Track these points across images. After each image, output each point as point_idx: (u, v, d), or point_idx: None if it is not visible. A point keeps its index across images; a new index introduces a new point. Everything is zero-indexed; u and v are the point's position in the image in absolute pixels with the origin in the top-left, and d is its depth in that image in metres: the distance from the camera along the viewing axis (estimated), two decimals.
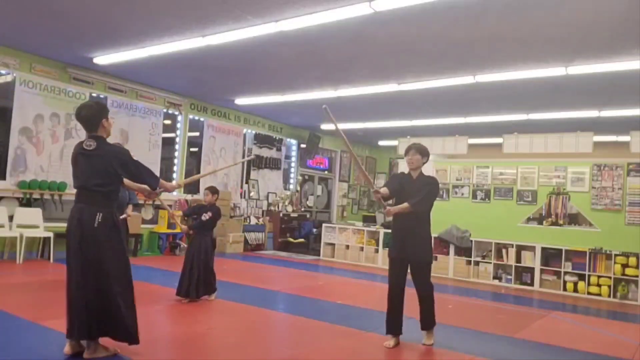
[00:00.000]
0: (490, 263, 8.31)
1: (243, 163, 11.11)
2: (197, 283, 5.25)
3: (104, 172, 3.24)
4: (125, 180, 3.52)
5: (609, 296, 7.30)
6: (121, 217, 5.73)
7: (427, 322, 4.18)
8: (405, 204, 4.03)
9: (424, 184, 4.16)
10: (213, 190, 5.56)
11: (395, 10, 4.83)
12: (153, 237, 9.14)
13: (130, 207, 6.09)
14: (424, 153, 4.23)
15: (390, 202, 4.23)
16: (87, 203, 3.22)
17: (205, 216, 5.37)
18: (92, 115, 3.34)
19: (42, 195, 7.55)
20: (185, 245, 9.23)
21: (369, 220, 11.18)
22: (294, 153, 12.76)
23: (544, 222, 8.32)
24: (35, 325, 3.95)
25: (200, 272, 5.27)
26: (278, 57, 6.81)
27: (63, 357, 3.25)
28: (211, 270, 5.40)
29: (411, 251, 4.11)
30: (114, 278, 3.20)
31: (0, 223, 7.03)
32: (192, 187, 10.15)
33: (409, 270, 4.20)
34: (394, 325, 4.10)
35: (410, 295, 4.19)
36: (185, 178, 9.84)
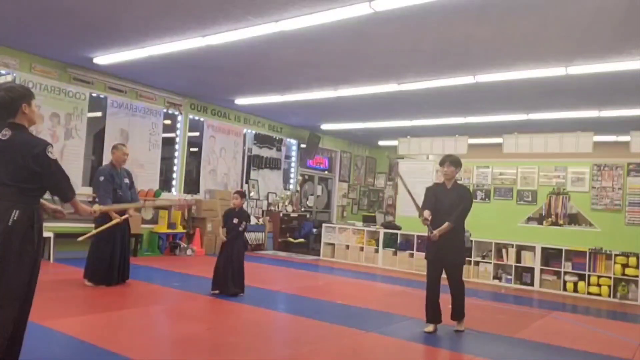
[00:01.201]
0: (490, 263, 8.30)
1: (243, 164, 11.15)
2: (235, 281, 5.69)
3: (18, 165, 2.70)
4: (42, 200, 2.90)
5: (609, 296, 7.30)
6: (122, 217, 5.76)
7: (457, 314, 4.74)
8: (447, 224, 4.52)
9: (459, 195, 4.65)
10: (242, 194, 6.07)
11: (395, 10, 4.82)
12: (153, 237, 9.14)
13: None
14: (457, 164, 4.74)
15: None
16: (3, 199, 2.69)
17: (242, 226, 5.84)
18: (11, 98, 2.77)
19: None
20: (185, 246, 9.29)
21: (369, 220, 11.17)
22: (294, 153, 12.76)
23: (544, 222, 8.32)
24: (34, 325, 3.95)
25: (235, 271, 5.72)
26: (278, 57, 6.81)
27: (62, 357, 3.25)
28: (242, 269, 5.84)
29: (446, 255, 4.63)
30: (4, 285, 2.64)
31: None
32: (193, 187, 10.16)
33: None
34: (432, 315, 4.64)
35: (413, 296, 4.19)
36: (185, 183, 9.86)
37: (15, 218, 2.65)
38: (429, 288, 4.69)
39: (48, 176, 2.77)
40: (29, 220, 2.72)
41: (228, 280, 5.64)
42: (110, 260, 5.73)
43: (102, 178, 5.85)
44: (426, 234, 4.74)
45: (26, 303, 2.76)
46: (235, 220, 5.80)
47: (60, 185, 2.84)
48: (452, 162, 4.70)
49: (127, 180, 6.09)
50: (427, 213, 4.54)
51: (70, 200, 2.90)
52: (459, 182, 4.97)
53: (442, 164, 4.76)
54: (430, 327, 4.62)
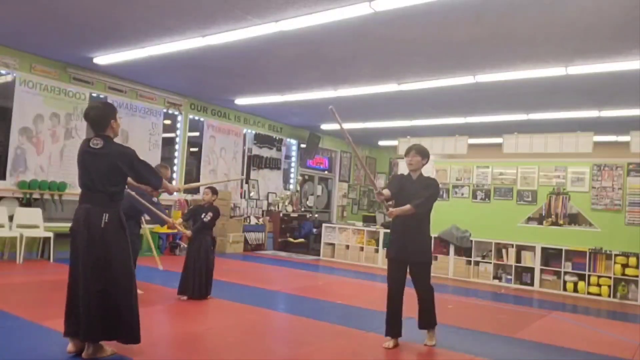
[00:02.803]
0: (490, 263, 8.31)
1: (243, 164, 11.14)
2: (203, 283, 5.38)
3: (111, 171, 3.23)
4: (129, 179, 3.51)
5: (609, 296, 7.30)
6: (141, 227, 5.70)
7: (426, 322, 4.20)
8: (408, 206, 4.00)
9: (424, 185, 4.15)
10: (214, 190, 5.64)
11: (395, 10, 4.83)
12: (153, 237, 9.13)
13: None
14: (424, 154, 4.22)
15: (391, 203, 4.22)
16: (93, 204, 3.22)
17: (207, 217, 5.47)
18: (101, 116, 3.34)
19: (42, 195, 7.55)
20: (185, 246, 9.28)
21: (369, 220, 11.18)
22: (294, 153, 12.76)
23: (544, 222, 8.32)
24: (35, 325, 3.96)
25: (204, 272, 5.39)
26: (278, 57, 6.81)
27: (63, 357, 3.25)
28: (212, 271, 5.49)
29: (410, 252, 4.09)
30: (118, 279, 3.23)
31: (0, 223, 7.02)
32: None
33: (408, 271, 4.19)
34: (393, 328, 4.08)
35: (410, 295, 4.19)
36: (186, 183, 9.85)
37: (106, 220, 3.20)
38: (391, 293, 4.11)
39: (142, 174, 3.38)
40: (118, 221, 3.26)
41: (196, 284, 5.31)
42: None
43: None
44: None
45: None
46: (210, 215, 5.44)
47: (151, 177, 3.44)
48: (417, 151, 4.18)
49: None
50: (386, 192, 4.07)
51: (161, 185, 3.54)
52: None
53: (407, 153, 4.24)
54: (390, 342, 4.03)
